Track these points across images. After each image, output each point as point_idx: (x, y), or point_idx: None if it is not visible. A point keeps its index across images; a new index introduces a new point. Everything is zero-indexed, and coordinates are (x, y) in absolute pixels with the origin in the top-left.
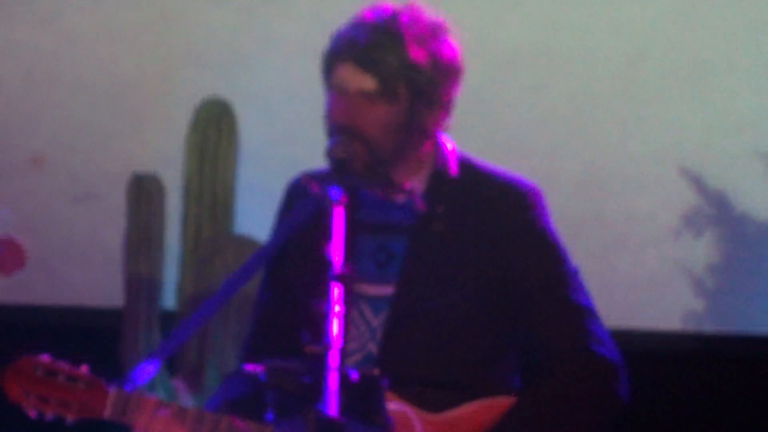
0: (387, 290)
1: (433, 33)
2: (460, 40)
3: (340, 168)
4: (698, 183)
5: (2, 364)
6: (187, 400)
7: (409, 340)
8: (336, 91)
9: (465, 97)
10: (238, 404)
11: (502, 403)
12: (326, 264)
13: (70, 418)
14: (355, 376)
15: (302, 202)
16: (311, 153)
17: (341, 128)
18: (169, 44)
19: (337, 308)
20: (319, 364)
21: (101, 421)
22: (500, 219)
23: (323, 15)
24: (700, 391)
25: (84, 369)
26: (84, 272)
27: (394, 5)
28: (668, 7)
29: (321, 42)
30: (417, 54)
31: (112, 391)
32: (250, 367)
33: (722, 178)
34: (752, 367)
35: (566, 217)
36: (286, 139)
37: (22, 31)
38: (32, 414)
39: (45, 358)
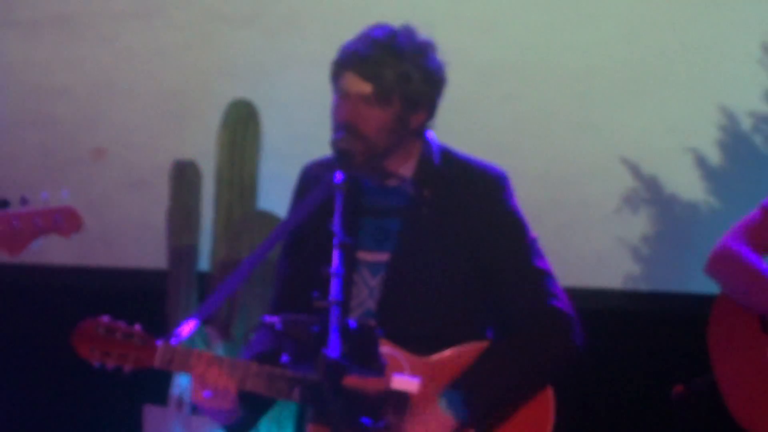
0: (383, 257)
1: (423, 50)
2: (445, 57)
3: (342, 158)
4: (636, 172)
5: (72, 324)
6: (219, 350)
7: (400, 297)
8: (340, 95)
9: (450, 103)
10: (265, 357)
11: (476, 347)
12: (332, 235)
13: (126, 368)
14: (354, 325)
15: (314, 187)
16: (320, 147)
17: (343, 125)
18: (206, 59)
19: (339, 271)
20: (325, 317)
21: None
22: (475, 198)
23: (333, 35)
24: (637, 337)
25: (137, 327)
26: (136, 242)
27: (393, 25)
28: (613, 31)
29: (330, 57)
30: (409, 68)
31: (160, 345)
32: (269, 319)
33: (655, 169)
34: (678, 318)
35: (531, 202)
36: (299, 135)
37: (88, 49)
38: (95, 363)
39: (105, 319)
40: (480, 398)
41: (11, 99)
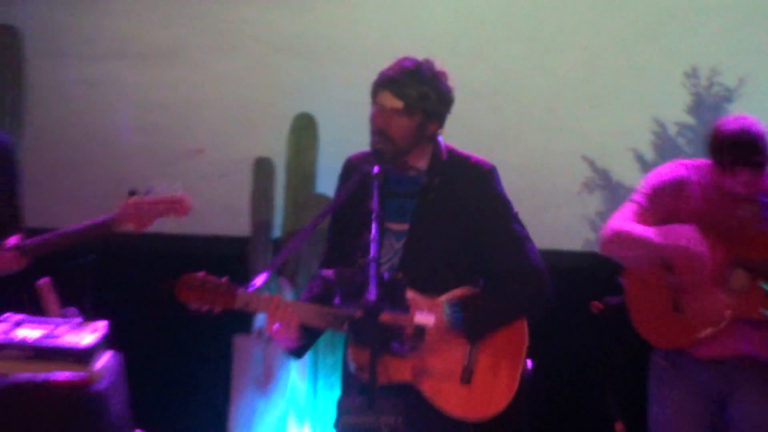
0: (404, 227)
1: (439, 77)
2: (452, 82)
3: (377, 154)
4: (592, 166)
5: (176, 278)
6: (288, 294)
7: (417, 256)
8: (378, 108)
9: (452, 114)
10: (318, 298)
11: (471, 290)
12: (369, 211)
13: (216, 310)
14: (387, 277)
15: (352, 174)
16: (357, 146)
17: (378, 131)
18: (274, 81)
19: (376, 237)
20: (366, 270)
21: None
22: (472, 184)
23: (367, 64)
24: (592, 285)
25: (224, 279)
26: (228, 217)
27: (417, 58)
28: (575, 58)
29: (363, 81)
30: (428, 90)
31: (241, 291)
32: (325, 272)
33: (606, 164)
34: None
35: (514, 188)
36: (343, 138)
37: (184, 73)
38: (193, 308)
39: (200, 274)
40: (471, 313)
41: (127, 115)
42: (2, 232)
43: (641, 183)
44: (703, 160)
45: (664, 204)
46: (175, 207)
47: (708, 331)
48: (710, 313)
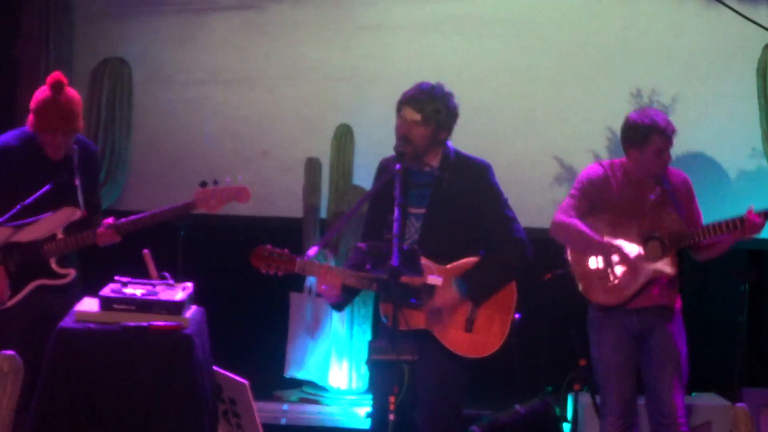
0: (422, 211)
1: (448, 97)
2: (457, 101)
3: (400, 155)
4: (561, 164)
5: (251, 249)
6: (332, 262)
7: (431, 233)
8: (401, 120)
9: (458, 126)
10: (355, 265)
11: (473, 260)
12: (394, 199)
13: (280, 273)
14: (406, 248)
15: (384, 172)
16: (386, 151)
17: (401, 137)
18: (322, 100)
19: (398, 218)
20: (390, 244)
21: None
22: (473, 179)
23: (392, 86)
24: (560, 256)
25: (285, 250)
26: (287, 203)
27: (431, 82)
28: (546, 75)
29: (390, 99)
30: (440, 106)
31: (298, 260)
32: (360, 245)
33: (571, 161)
34: None
35: (504, 181)
36: (375, 143)
37: (258, 95)
38: (263, 271)
39: (268, 246)
40: (474, 283)
41: (215, 126)
42: (93, 214)
43: (575, 182)
44: (616, 159)
45: (591, 197)
46: (237, 195)
47: (631, 291)
48: (634, 276)
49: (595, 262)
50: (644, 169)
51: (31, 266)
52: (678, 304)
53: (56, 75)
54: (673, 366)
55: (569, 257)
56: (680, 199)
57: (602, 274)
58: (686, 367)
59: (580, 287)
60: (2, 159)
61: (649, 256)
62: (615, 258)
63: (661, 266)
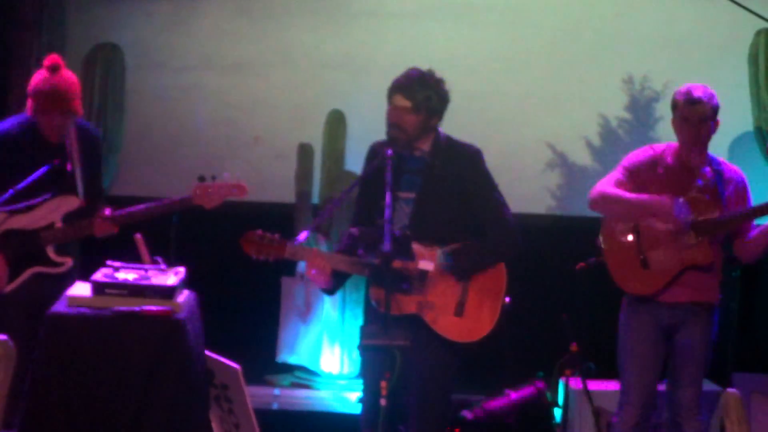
0: (412, 195)
1: (438, 83)
2: (449, 87)
3: (391, 141)
4: (553, 150)
5: (241, 234)
6: (323, 246)
7: (422, 218)
8: (392, 106)
9: (449, 112)
10: (346, 250)
11: (463, 242)
12: (385, 184)
13: (270, 258)
14: (398, 233)
15: (375, 157)
16: (378, 135)
17: (393, 124)
18: (315, 87)
19: (389, 203)
20: (382, 228)
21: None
22: (464, 163)
23: (384, 73)
24: (553, 239)
25: (276, 235)
26: (279, 188)
27: (421, 68)
28: (538, 65)
29: (382, 86)
30: (431, 93)
31: (289, 244)
32: (352, 230)
33: (563, 148)
34: (577, 229)
35: (495, 167)
36: (367, 129)
37: (253, 82)
38: (254, 257)
39: (259, 231)
40: (459, 257)
41: (207, 112)
42: (95, 201)
43: (622, 159)
44: (668, 143)
45: (635, 177)
46: (235, 191)
47: (666, 279)
48: (669, 264)
49: (629, 250)
50: (680, 140)
51: (29, 253)
52: (715, 300)
53: (53, 57)
54: (695, 365)
55: (602, 244)
56: (729, 193)
57: (637, 262)
58: (708, 363)
59: (615, 277)
60: (2, 145)
61: (685, 244)
62: (652, 237)
63: (694, 253)
